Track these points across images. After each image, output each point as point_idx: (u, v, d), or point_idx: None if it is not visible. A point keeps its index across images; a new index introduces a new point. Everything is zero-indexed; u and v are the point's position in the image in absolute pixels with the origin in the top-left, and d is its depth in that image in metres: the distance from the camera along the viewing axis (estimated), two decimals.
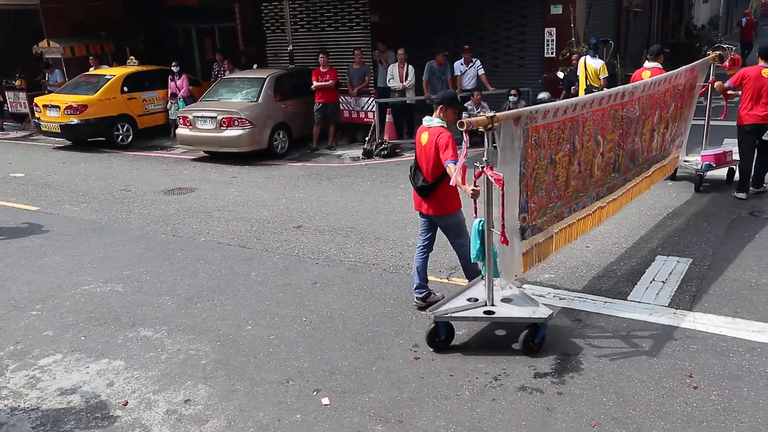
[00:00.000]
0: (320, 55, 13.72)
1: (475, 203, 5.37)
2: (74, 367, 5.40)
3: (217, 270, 7.36)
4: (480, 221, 5.36)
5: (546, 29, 14.43)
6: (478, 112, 12.98)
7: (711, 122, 9.89)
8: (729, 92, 9.20)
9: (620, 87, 7.04)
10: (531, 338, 5.32)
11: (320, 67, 13.57)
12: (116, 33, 19.35)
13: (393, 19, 16.41)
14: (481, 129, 4.99)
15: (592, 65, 11.87)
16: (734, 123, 9.11)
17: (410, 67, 13.47)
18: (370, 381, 4.99)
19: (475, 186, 5.17)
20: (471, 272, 6.11)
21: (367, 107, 13.75)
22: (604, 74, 11.86)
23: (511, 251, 5.51)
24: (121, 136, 15.09)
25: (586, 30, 14.63)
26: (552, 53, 14.35)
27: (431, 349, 5.42)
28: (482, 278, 5.66)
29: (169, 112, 15.65)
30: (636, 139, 7.12)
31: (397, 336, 5.66)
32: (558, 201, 5.94)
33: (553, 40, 14.31)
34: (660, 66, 9.61)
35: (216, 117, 12.75)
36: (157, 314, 6.31)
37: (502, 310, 5.47)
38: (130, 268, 7.55)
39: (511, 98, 12.78)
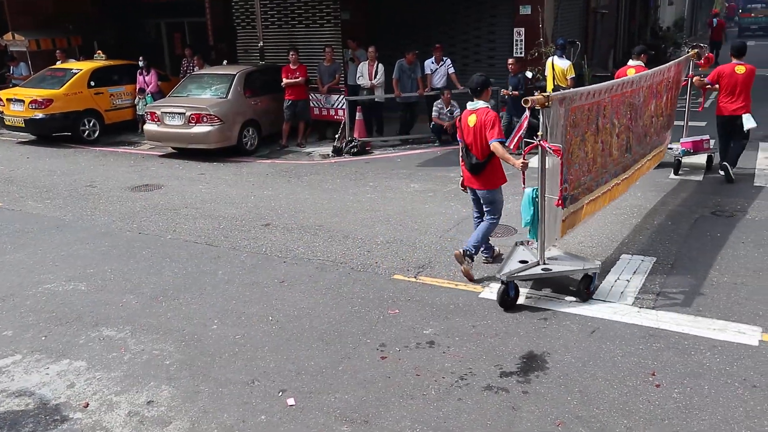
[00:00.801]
0: (290, 53, 13.65)
1: (523, 175, 6.13)
2: (33, 368, 5.29)
3: (183, 268, 7.28)
4: (534, 189, 6.11)
5: (515, 29, 14.52)
6: (448, 111, 13.03)
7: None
8: (707, 87, 10.12)
9: (631, 76, 7.92)
10: (586, 288, 6.16)
11: (290, 64, 13.50)
12: (84, 27, 19.02)
13: (364, 17, 16.37)
14: (538, 107, 5.66)
15: (559, 65, 11.98)
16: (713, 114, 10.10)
17: (380, 65, 13.46)
18: (336, 381, 4.97)
19: (524, 160, 6.01)
20: (484, 248, 7.01)
21: (337, 105, 13.71)
22: (571, 74, 11.98)
23: (554, 218, 6.17)
24: (87, 132, 14.84)
25: (554, 30, 14.75)
26: (521, 53, 14.43)
27: (502, 309, 6.02)
28: (520, 245, 6.70)
29: (137, 107, 15.44)
30: (641, 123, 7.73)
31: (364, 335, 5.65)
32: (588, 175, 6.59)
33: (522, 40, 14.41)
34: (643, 64, 10.36)
35: (184, 113, 12.61)
36: (121, 313, 6.22)
37: (557, 267, 6.27)
38: (94, 266, 7.43)
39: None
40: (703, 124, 11.98)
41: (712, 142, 10.65)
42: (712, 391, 4.68)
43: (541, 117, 5.74)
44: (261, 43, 15.68)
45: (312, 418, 4.54)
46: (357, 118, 13.36)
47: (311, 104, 13.98)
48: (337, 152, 12.86)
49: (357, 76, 13.63)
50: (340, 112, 13.53)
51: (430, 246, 7.67)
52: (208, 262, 7.43)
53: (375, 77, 13.40)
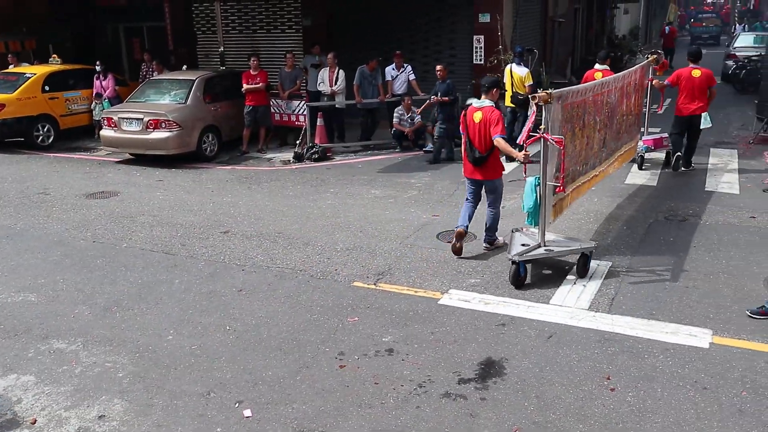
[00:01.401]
0: (251, 58, 13.56)
1: (524, 166, 6.85)
2: None
3: (138, 278, 7.16)
4: (536, 178, 6.75)
5: (475, 36, 14.63)
6: (409, 117, 13.08)
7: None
8: (664, 87, 11.22)
9: (607, 78, 8.76)
10: (583, 265, 6.86)
11: (251, 70, 13.41)
12: (39, 29, 18.62)
13: (325, 23, 16.34)
14: (541, 102, 6.32)
15: (517, 73, 12.11)
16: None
17: (341, 71, 13.44)
18: (294, 391, 4.92)
19: (525, 152, 6.76)
20: (490, 233, 7.71)
21: (299, 110, 13.65)
22: (529, 81, 12.12)
23: (547, 204, 6.74)
24: (41, 137, 14.51)
25: (513, 38, 14.90)
26: (481, 60, 14.56)
27: (514, 287, 6.56)
28: (516, 231, 7.42)
29: (93, 112, 15.17)
30: (615, 120, 8.38)
31: (322, 344, 5.61)
32: (575, 166, 7.21)
33: (481, 48, 14.52)
34: (608, 68, 11.18)
35: (142, 118, 12.42)
36: (73, 325, 6.07)
37: (556, 248, 6.91)
38: (46, 276, 7.25)
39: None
40: (658, 129, 12.25)
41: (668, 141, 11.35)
42: (665, 394, 4.76)
43: (544, 113, 6.40)
44: (222, 49, 15.56)
45: (269, 429, 4.49)
46: (318, 124, 13.30)
47: (272, 110, 13.90)
48: (298, 158, 12.80)
49: (318, 83, 13.59)
50: (302, 118, 13.47)
51: (390, 252, 7.67)
52: (165, 271, 7.31)
53: (336, 83, 13.37)
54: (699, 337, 5.53)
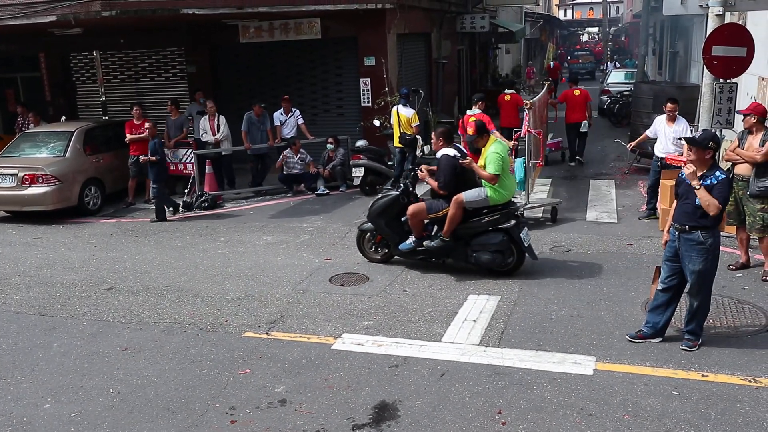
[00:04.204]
0: (134, 107, 13.23)
1: (513, 151, 10.64)
2: None
3: (12, 343, 6.73)
4: (522, 159, 10.28)
5: (361, 80, 14.92)
6: (297, 159, 13.14)
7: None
8: (556, 103, 15.86)
9: (540, 95, 12.17)
10: (553, 216, 10.35)
11: (134, 119, 13.08)
12: None
13: (210, 70, 16.23)
14: (527, 108, 10.37)
15: (404, 114, 12.39)
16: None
17: (221, 117, 13.32)
18: None
19: (515, 142, 11.05)
20: None
21: (186, 159, 13.40)
22: (416, 122, 12.43)
23: (531, 175, 10.41)
24: None
25: (399, 80, 15.29)
26: (368, 102, 14.84)
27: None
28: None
29: None
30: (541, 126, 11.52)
31: (213, 399, 5.45)
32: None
33: (368, 90, 14.81)
34: (481, 111, 12.00)
35: (17, 174, 11.81)
36: None
37: (536, 205, 10.49)
38: None
39: (328, 146, 13.35)
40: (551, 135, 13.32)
41: (564, 142, 15.55)
42: (553, 424, 4.88)
43: (527, 114, 10.25)
44: (103, 98, 15.14)
45: None
46: (207, 171, 13.12)
47: None
48: (188, 207, 12.51)
49: (201, 133, 13.42)
50: (189, 166, 13.22)
51: (282, 299, 7.59)
52: (42, 335, 6.92)
53: (218, 131, 13.25)
54: (584, 365, 5.72)
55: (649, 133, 10.50)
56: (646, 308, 6.57)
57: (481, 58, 26.72)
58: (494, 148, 7.93)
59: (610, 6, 55.42)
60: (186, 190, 13.05)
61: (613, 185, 12.83)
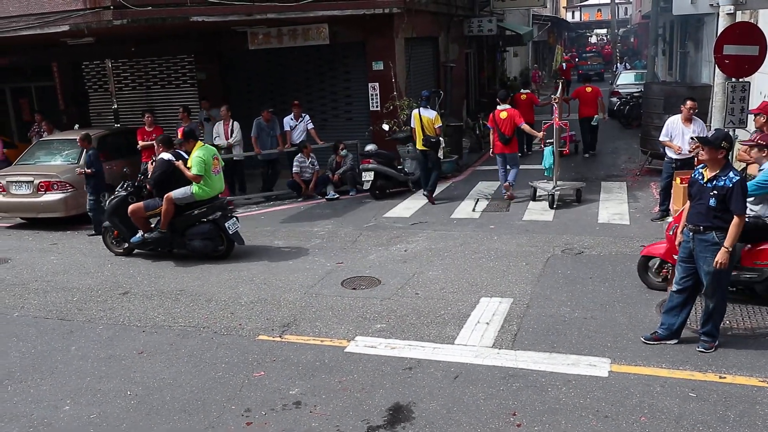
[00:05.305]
0: (146, 115, 13.37)
1: (542, 141, 12.20)
2: None
3: (32, 347, 6.82)
4: (551, 147, 11.67)
5: (369, 84, 14.96)
6: (310, 163, 13.24)
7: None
8: (569, 100, 17.14)
9: (557, 93, 12.56)
10: (578, 197, 11.72)
11: (146, 126, 13.21)
12: None
13: (220, 76, 16.34)
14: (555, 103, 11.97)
15: (426, 116, 12.39)
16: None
17: (235, 123, 13.45)
18: None
19: (544, 132, 12.23)
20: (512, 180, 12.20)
21: None
22: (438, 123, 12.46)
23: (557, 161, 11.74)
24: None
25: (407, 84, 15.34)
26: (377, 107, 14.88)
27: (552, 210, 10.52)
28: (534, 182, 12.23)
29: None
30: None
31: (228, 402, 5.50)
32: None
33: (377, 94, 14.83)
34: (510, 106, 12.42)
35: (33, 181, 11.97)
36: None
37: (563, 187, 11.77)
38: None
39: (342, 152, 13.44)
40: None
41: (577, 135, 16.52)
42: (569, 426, 4.88)
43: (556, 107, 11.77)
44: (115, 106, 15.28)
45: None
46: None
47: None
48: None
49: (214, 137, 13.52)
50: None
51: (295, 303, 7.64)
52: (60, 338, 7.01)
53: (231, 136, 13.35)
54: (598, 367, 5.72)
55: (663, 136, 10.13)
56: (660, 310, 6.57)
57: (488, 61, 26.73)
58: (198, 153, 9.27)
59: (618, 7, 55.34)
60: None
61: (624, 187, 12.81)
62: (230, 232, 9.41)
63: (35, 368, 6.33)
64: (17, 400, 5.72)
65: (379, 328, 6.82)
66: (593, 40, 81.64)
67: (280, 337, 6.75)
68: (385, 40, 14.68)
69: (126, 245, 9.96)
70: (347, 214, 11.97)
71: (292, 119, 13.83)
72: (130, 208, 9.52)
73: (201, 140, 13.88)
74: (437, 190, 12.71)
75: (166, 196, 9.28)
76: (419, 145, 12.47)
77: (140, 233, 9.64)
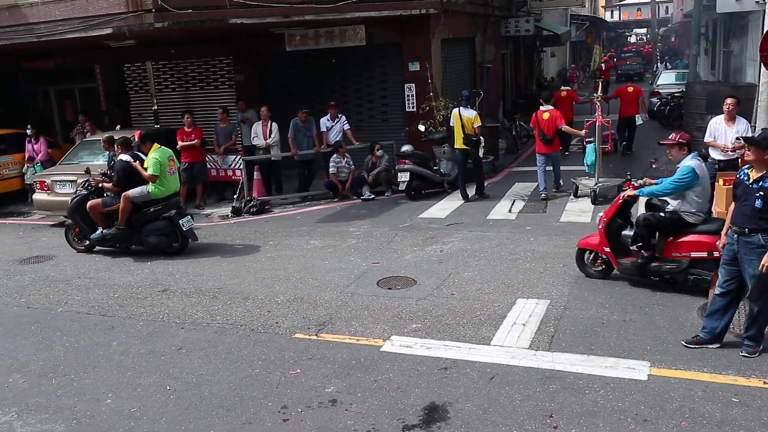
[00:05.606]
0: (185, 116, 13.57)
1: (584, 138, 12.47)
2: None
3: (75, 342, 6.99)
4: (594, 144, 11.90)
5: (406, 85, 14.97)
6: (346, 162, 13.31)
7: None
8: (609, 99, 16.59)
9: (597, 92, 13.08)
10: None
11: (185, 127, 13.41)
12: None
13: (258, 78, 16.51)
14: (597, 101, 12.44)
15: (466, 115, 12.43)
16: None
17: (274, 124, 13.58)
18: None
19: (586, 130, 12.29)
20: (557, 179, 12.75)
21: (235, 165, 13.65)
22: (478, 123, 12.50)
23: (599, 158, 12.05)
24: None
25: (443, 85, 15.31)
26: (413, 107, 14.87)
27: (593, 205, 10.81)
28: (577, 179, 12.51)
29: (25, 176, 14.87)
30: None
31: (265, 398, 5.56)
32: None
33: (413, 95, 14.83)
34: (553, 107, 12.87)
35: (76, 180, 12.22)
36: (7, 395, 5.88)
37: (606, 183, 11.93)
38: None
39: (378, 152, 13.47)
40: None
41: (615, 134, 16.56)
42: (607, 429, 4.83)
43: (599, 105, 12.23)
44: (155, 107, 15.53)
45: None
46: (255, 177, 13.36)
47: (208, 165, 13.88)
48: (237, 212, 12.77)
49: (252, 137, 13.68)
50: (238, 172, 13.48)
51: (331, 302, 7.68)
52: (102, 334, 7.16)
53: (269, 136, 13.48)
54: (637, 370, 5.64)
55: (707, 137, 9.99)
56: (702, 313, 6.46)
57: (525, 61, 26.53)
58: (154, 155, 9.89)
59: (659, 6, 54.45)
60: (235, 196, 13.29)
61: None
62: (184, 229, 9.93)
63: (78, 362, 6.48)
64: (61, 393, 5.87)
65: (415, 328, 6.83)
66: (632, 39, 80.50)
67: (316, 335, 6.80)
68: (422, 40, 14.67)
69: (87, 242, 10.50)
70: (383, 214, 12.00)
71: (328, 120, 13.91)
72: (89, 204, 10.11)
73: (238, 142, 14.25)
74: (470, 191, 12.66)
75: (123, 194, 9.87)
76: (459, 144, 12.48)
77: (100, 230, 10.19)
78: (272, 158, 13.61)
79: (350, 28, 14.74)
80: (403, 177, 12.97)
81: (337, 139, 13.70)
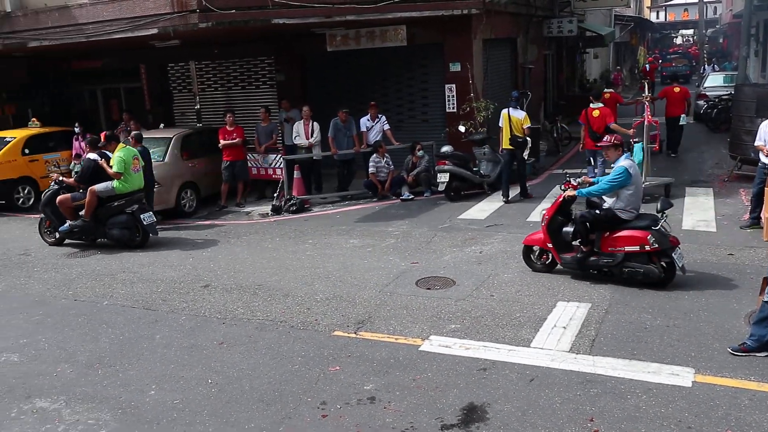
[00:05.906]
0: (227, 115, 13.76)
1: (632, 137, 11.73)
2: None
3: (120, 334, 7.15)
4: (641, 144, 11.62)
5: (446, 86, 14.92)
6: (385, 162, 13.35)
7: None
8: (655, 99, 15.17)
9: (644, 92, 13.19)
10: (667, 193, 11.45)
11: (227, 126, 13.60)
12: (18, 95, 18.80)
13: (299, 78, 16.64)
14: (646, 102, 12.47)
15: (515, 116, 12.44)
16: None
17: (315, 124, 13.68)
18: None
19: (634, 129, 12.04)
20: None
21: (275, 164, 13.80)
22: (527, 124, 12.51)
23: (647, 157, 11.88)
24: (21, 199, 14.55)
25: (484, 85, 15.24)
26: (453, 108, 14.82)
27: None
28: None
29: (73, 172, 15.21)
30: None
31: (304, 394, 5.62)
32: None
33: (453, 96, 14.78)
34: (603, 105, 13.04)
35: None
36: (55, 383, 6.05)
37: (654, 182, 12.07)
38: (28, 336, 7.22)
39: (419, 153, 13.49)
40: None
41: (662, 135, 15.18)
42: None
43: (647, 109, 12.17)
44: (198, 106, 15.76)
45: None
46: (295, 176, 13.48)
47: (249, 164, 14.05)
48: (276, 211, 12.89)
49: (294, 136, 13.81)
50: (279, 171, 13.61)
51: (370, 301, 7.72)
52: (146, 327, 7.31)
53: (311, 136, 13.59)
54: (681, 376, 5.55)
55: (757, 141, 9.77)
56: (750, 320, 6.31)
57: (568, 62, 26.26)
58: (119, 153, 10.66)
59: (707, 6, 53.37)
60: (275, 194, 13.42)
61: (711, 193, 12.28)
62: (145, 224, 10.61)
63: (123, 354, 6.63)
64: (107, 383, 6.01)
65: (454, 328, 6.83)
66: (678, 41, 79.06)
67: (355, 333, 6.84)
68: (463, 41, 14.63)
69: (57, 235, 11.07)
70: (422, 214, 12.00)
71: (368, 120, 13.96)
72: (58, 198, 10.76)
73: (279, 140, 14.39)
74: (512, 193, 12.58)
75: (90, 188, 10.61)
76: (506, 145, 12.47)
77: (68, 223, 10.79)
78: (314, 157, 13.71)
79: (391, 28, 14.76)
80: (443, 177, 12.95)
81: (377, 139, 13.74)
